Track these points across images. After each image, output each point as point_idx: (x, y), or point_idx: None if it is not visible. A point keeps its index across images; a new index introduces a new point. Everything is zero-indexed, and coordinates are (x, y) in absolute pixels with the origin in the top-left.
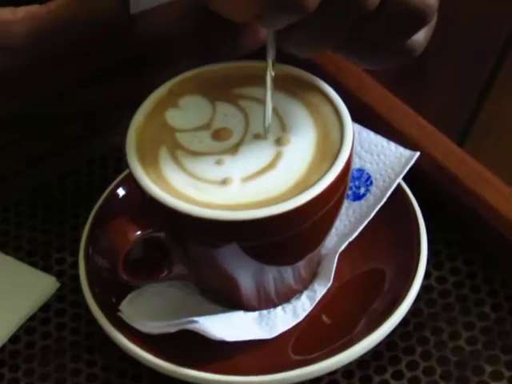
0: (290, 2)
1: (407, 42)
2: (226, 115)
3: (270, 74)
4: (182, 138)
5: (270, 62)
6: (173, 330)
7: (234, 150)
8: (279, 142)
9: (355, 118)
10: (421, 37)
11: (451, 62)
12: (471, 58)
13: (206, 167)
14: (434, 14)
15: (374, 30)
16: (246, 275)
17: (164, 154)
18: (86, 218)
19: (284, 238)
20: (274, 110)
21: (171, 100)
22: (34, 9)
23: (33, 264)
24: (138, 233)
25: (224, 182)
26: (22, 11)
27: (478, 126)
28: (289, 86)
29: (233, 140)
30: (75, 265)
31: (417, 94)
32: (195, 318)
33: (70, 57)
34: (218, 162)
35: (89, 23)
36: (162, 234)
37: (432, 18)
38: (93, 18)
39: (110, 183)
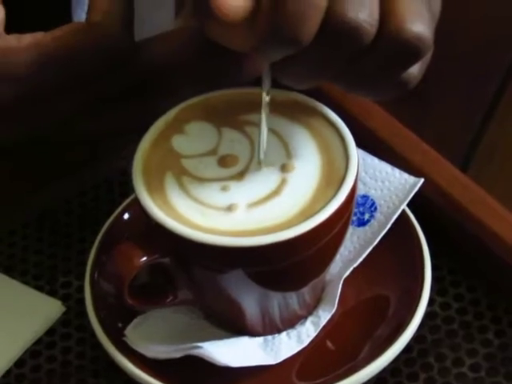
0: (285, 35)
1: (402, 75)
2: (232, 141)
3: (264, 103)
4: (187, 164)
5: (264, 92)
6: (178, 355)
7: (240, 176)
8: (284, 168)
9: (359, 144)
10: (415, 70)
11: (454, 86)
12: (474, 82)
13: (212, 193)
14: (428, 49)
15: (368, 64)
16: (250, 301)
17: (170, 180)
18: (92, 242)
19: (289, 265)
20: (279, 137)
21: (177, 126)
22: (39, 36)
23: (39, 288)
24: (144, 258)
25: (229, 208)
26: (27, 38)
27: (481, 150)
28: (293, 112)
29: (238, 166)
30: (81, 289)
31: (419, 118)
32: (200, 344)
33: (73, 85)
34: (224, 188)
35: (94, 51)
36: (167, 260)
37: (426, 52)
38: (98, 46)
39: (116, 207)
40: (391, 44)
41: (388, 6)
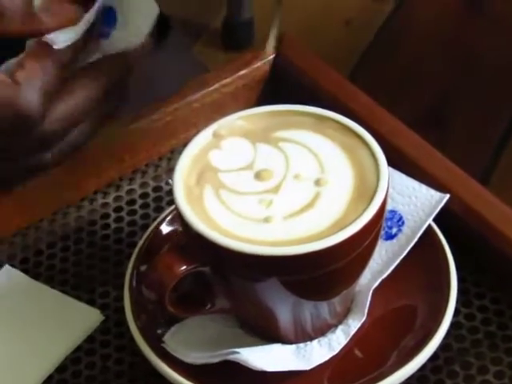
0: None
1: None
2: (267, 157)
3: None
4: (225, 178)
5: None
6: (215, 360)
7: (276, 189)
8: (318, 182)
9: (387, 161)
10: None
11: (471, 111)
12: (491, 107)
13: (249, 206)
14: None
15: None
16: (284, 309)
17: (209, 193)
18: (129, 254)
19: (322, 274)
20: (313, 153)
21: (215, 142)
22: None
23: (78, 298)
24: (184, 267)
25: (266, 219)
26: None
27: (497, 174)
28: (328, 130)
29: (274, 180)
30: (118, 298)
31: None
32: (236, 349)
33: None
34: (261, 201)
35: (6, 108)
36: (206, 269)
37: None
38: (10, 105)
39: (151, 221)
40: None
41: None
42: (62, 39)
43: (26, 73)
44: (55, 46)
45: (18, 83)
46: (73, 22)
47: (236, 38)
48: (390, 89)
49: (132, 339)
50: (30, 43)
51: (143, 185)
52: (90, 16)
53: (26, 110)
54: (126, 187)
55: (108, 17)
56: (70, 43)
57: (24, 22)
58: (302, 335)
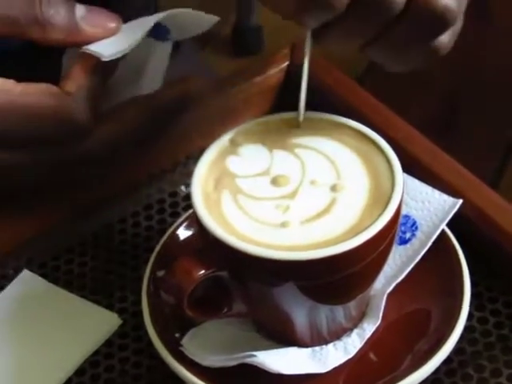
0: (320, 2)
1: (432, 44)
2: (284, 163)
3: (306, 61)
4: (242, 184)
5: (307, 52)
6: (232, 363)
7: (292, 195)
8: (334, 188)
9: (401, 167)
10: (445, 39)
11: (480, 118)
12: (499, 115)
13: (266, 211)
14: (454, 19)
15: (398, 32)
16: (300, 313)
17: (226, 199)
18: (146, 259)
19: (338, 279)
20: (329, 159)
21: (232, 148)
22: (9, 84)
23: (96, 302)
24: (203, 272)
25: (283, 224)
26: None
27: (506, 178)
28: (343, 136)
29: (290, 186)
30: (136, 303)
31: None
32: (253, 353)
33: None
34: (277, 207)
35: (56, 119)
36: (223, 274)
37: (453, 22)
38: (62, 115)
39: (168, 226)
40: (419, 14)
41: None
42: (110, 52)
43: (75, 83)
44: (103, 59)
45: (68, 94)
46: (113, 32)
47: (246, 44)
48: (399, 94)
49: (150, 343)
50: (78, 53)
51: (160, 190)
52: (141, 33)
53: (77, 120)
54: (144, 192)
55: (158, 32)
56: (118, 57)
57: (66, 31)
58: (317, 339)
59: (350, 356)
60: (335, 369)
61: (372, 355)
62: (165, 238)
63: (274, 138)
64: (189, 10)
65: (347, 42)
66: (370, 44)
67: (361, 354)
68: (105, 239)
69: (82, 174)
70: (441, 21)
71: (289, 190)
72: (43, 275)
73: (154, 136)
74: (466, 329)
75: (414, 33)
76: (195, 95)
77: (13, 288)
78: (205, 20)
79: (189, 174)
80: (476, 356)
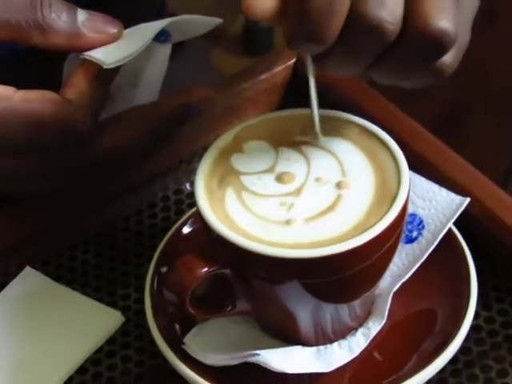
0: (309, 35)
1: (435, 65)
2: (289, 160)
3: (312, 81)
4: (247, 181)
5: (310, 71)
6: (235, 362)
7: (297, 192)
8: (340, 185)
9: (407, 164)
10: (449, 59)
11: (489, 116)
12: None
13: (271, 208)
14: (453, 41)
15: (397, 57)
16: (305, 312)
17: (230, 196)
18: (149, 257)
19: (342, 277)
20: (335, 156)
21: (236, 145)
22: (9, 91)
23: (99, 300)
24: (205, 269)
25: (287, 222)
26: None
27: None
28: (349, 133)
29: (295, 183)
30: (139, 301)
31: (456, 145)
32: (257, 351)
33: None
34: (282, 204)
35: (57, 125)
36: (226, 271)
37: (452, 44)
38: (62, 122)
39: (172, 224)
40: (415, 40)
41: (412, 2)
42: (111, 60)
43: (76, 90)
44: (105, 66)
45: (69, 101)
46: (115, 38)
47: (256, 44)
48: (407, 91)
49: (152, 341)
50: (79, 60)
51: (164, 188)
52: (143, 41)
53: (78, 127)
54: (148, 190)
55: (158, 35)
56: (120, 64)
57: (67, 36)
58: (322, 338)
59: (354, 355)
60: (340, 368)
61: (377, 354)
62: (168, 235)
63: (279, 134)
64: (192, 16)
65: (345, 69)
66: (370, 68)
67: (366, 354)
68: (108, 237)
69: (84, 183)
70: (438, 46)
71: (293, 188)
72: (46, 272)
73: (158, 148)
74: (473, 328)
75: (411, 58)
76: (197, 107)
77: (15, 285)
78: (206, 23)
79: (193, 172)
80: (482, 356)
